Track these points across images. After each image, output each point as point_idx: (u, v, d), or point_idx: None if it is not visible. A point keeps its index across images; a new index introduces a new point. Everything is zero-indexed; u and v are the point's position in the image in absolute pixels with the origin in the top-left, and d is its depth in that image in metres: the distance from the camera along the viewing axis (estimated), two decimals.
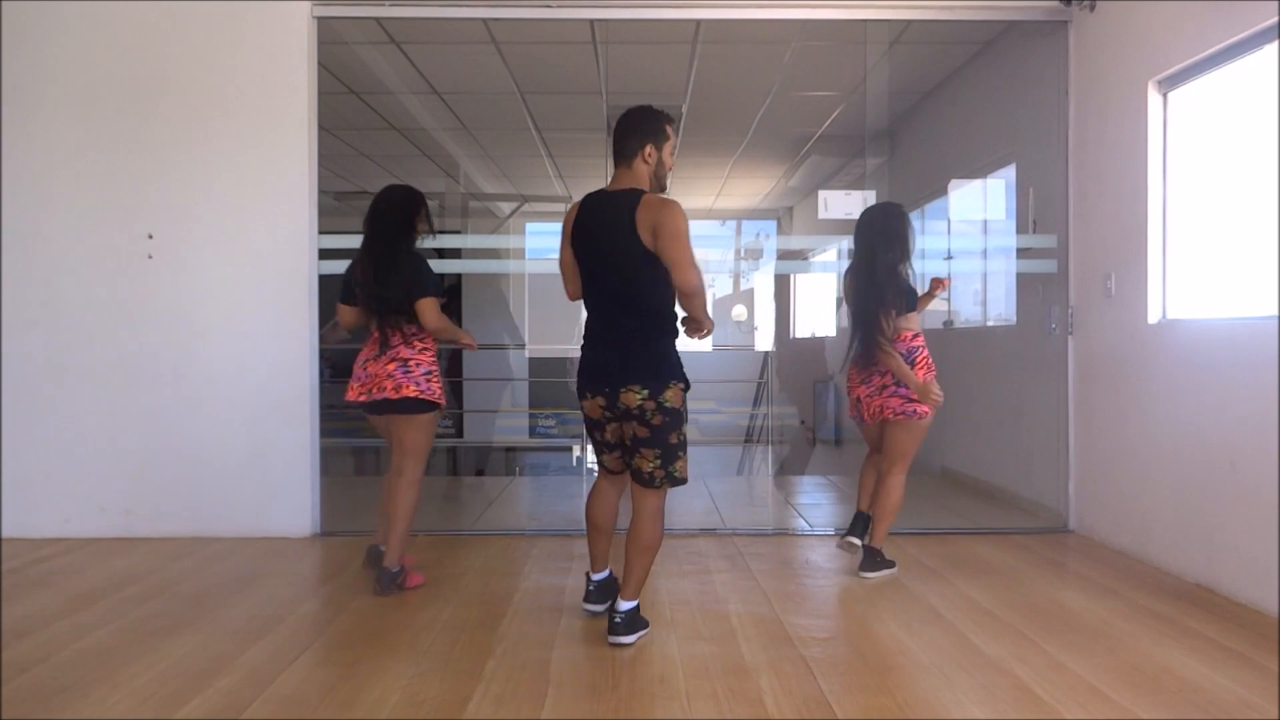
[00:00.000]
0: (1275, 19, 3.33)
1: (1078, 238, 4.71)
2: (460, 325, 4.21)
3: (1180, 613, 3.35)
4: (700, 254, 3.16)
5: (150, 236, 4.58)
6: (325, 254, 4.67)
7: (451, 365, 8.30)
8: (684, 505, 5.39)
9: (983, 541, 4.52)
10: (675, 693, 2.62)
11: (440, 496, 6.21)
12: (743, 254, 11.21)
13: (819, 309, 9.48)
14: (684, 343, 3.12)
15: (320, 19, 4.69)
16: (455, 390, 8.03)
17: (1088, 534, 4.63)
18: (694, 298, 2.99)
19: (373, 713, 2.49)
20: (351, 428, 5.83)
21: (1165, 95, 4.06)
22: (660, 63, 5.95)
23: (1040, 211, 5.10)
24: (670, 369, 3.03)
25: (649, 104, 3.12)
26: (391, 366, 3.58)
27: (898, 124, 7.15)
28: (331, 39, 4.86)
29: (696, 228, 3.86)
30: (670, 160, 3.10)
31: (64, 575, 3.90)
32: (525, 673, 2.78)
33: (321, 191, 4.75)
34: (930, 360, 3.84)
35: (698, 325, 3.09)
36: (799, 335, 9.91)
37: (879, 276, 3.75)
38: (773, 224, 11.12)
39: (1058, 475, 4.86)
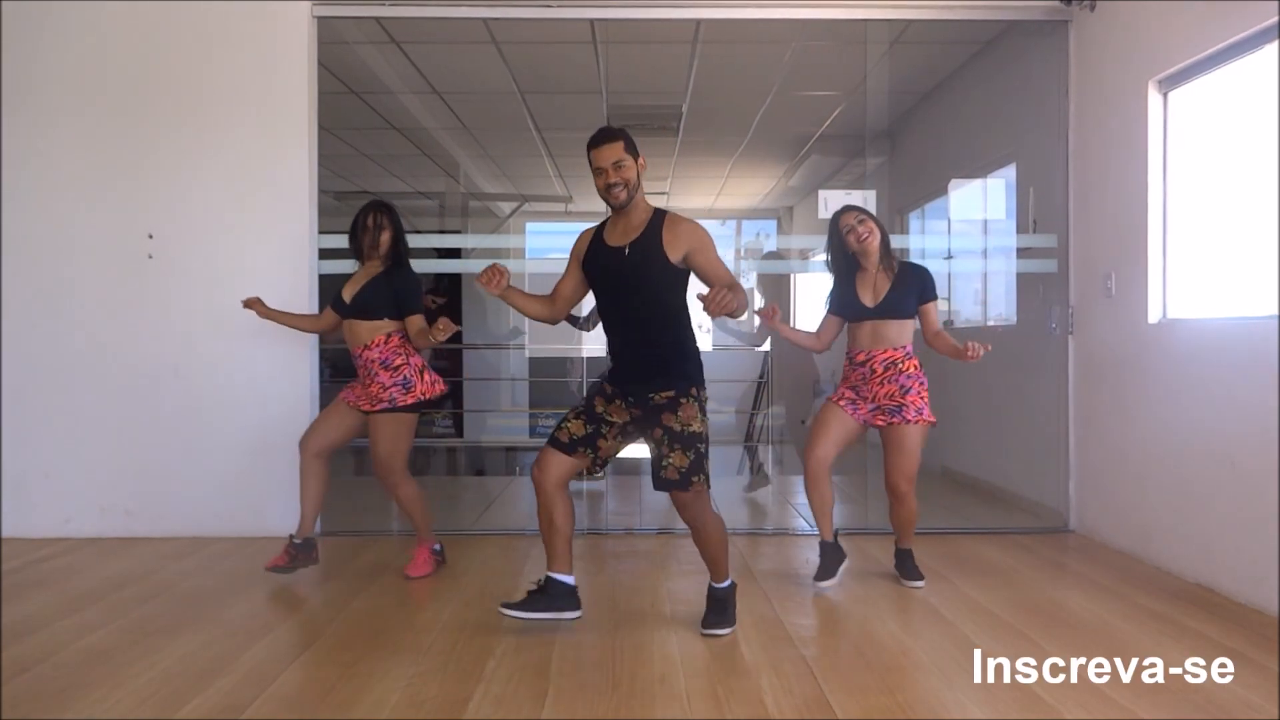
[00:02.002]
0: (1275, 19, 3.33)
1: (1078, 237, 4.71)
2: (460, 326, 4.25)
3: (1180, 613, 3.35)
4: None
5: (150, 236, 4.58)
6: (325, 254, 4.68)
7: (452, 365, 8.29)
8: None
9: (983, 541, 4.52)
10: (675, 693, 2.63)
11: (440, 496, 6.20)
12: (743, 254, 11.19)
13: (818, 309, 9.45)
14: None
15: (320, 19, 4.69)
16: (455, 390, 8.04)
17: (1088, 534, 4.63)
18: None
19: (373, 713, 2.49)
20: None
21: (1165, 95, 4.05)
22: (660, 63, 5.94)
23: (1040, 211, 5.10)
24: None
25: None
26: None
27: (898, 124, 7.14)
28: (331, 39, 4.85)
29: None
30: (598, 180, 3.06)
31: (64, 575, 3.90)
32: (525, 673, 2.78)
33: (321, 191, 4.75)
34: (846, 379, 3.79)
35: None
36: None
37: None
38: (773, 224, 11.12)
39: (1058, 475, 4.86)
